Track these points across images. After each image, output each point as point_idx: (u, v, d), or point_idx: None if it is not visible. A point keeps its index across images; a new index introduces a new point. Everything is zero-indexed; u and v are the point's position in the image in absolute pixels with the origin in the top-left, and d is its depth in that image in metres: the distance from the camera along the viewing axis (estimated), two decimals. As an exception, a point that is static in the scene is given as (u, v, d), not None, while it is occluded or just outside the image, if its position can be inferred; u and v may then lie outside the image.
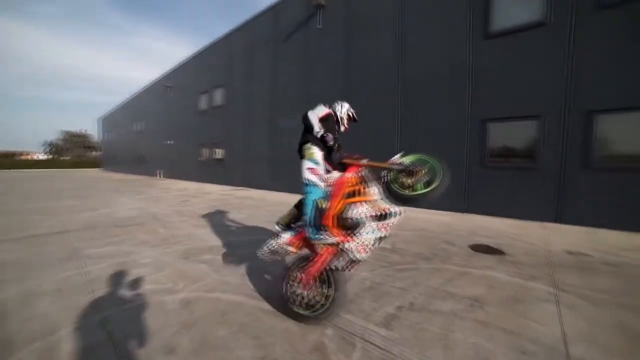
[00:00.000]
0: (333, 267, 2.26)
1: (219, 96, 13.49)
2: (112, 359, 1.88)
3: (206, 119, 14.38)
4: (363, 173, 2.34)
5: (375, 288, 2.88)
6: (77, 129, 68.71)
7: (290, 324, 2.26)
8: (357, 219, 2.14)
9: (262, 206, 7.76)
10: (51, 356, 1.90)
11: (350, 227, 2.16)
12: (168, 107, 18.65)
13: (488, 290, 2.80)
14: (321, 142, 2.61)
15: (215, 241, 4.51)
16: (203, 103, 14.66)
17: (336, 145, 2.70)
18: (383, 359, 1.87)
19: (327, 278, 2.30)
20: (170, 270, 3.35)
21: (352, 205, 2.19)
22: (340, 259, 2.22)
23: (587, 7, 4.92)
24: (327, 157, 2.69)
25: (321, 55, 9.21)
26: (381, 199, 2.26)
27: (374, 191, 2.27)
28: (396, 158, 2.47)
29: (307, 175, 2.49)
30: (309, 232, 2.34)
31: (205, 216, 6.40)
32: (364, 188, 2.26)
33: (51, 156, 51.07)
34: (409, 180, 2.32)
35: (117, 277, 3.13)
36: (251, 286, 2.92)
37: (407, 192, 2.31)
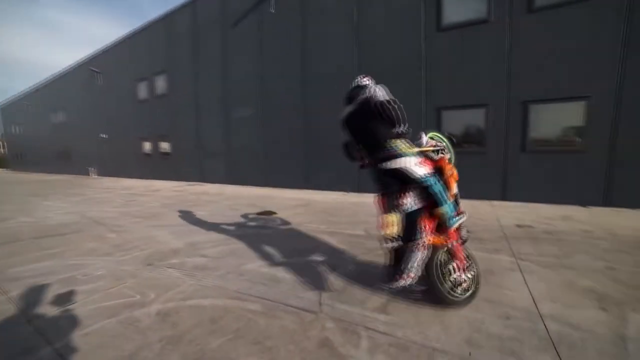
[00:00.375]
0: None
1: (161, 84, 12.12)
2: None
3: (147, 109, 12.87)
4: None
5: (362, 275, 2.91)
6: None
7: (286, 322, 2.16)
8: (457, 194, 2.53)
9: (220, 201, 7.30)
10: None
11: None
12: (98, 96, 16.20)
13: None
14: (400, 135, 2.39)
15: (178, 243, 4.10)
16: (143, 91, 13.04)
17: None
18: (390, 344, 1.90)
19: (468, 257, 2.46)
20: (134, 280, 2.94)
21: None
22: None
23: (521, 9, 5.54)
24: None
25: (276, 42, 8.84)
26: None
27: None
28: (427, 138, 2.64)
29: (421, 170, 2.34)
30: (450, 222, 2.36)
31: (160, 216, 5.78)
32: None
33: None
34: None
35: (65, 297, 2.64)
36: (232, 288, 2.72)
37: None
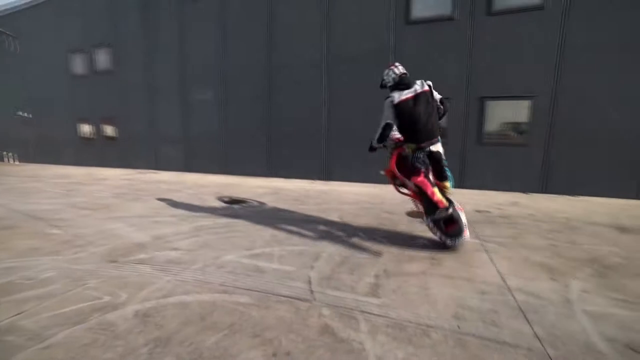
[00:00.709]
0: None
1: (103, 58, 10.55)
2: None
3: (86, 86, 11.15)
4: None
5: (346, 262, 2.98)
6: None
7: (281, 313, 2.12)
8: None
9: (182, 190, 6.78)
10: None
11: None
12: (13, 65, 13.54)
13: (437, 249, 3.29)
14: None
15: (143, 236, 3.73)
16: (79, 65, 11.21)
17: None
18: (387, 325, 1.99)
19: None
20: (97, 280, 2.60)
21: None
22: None
23: (481, 11, 5.98)
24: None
25: (241, 24, 8.27)
26: None
27: None
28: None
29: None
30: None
31: (113, 207, 5.16)
32: None
33: None
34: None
35: (6, 308, 2.24)
36: (216, 281, 2.58)
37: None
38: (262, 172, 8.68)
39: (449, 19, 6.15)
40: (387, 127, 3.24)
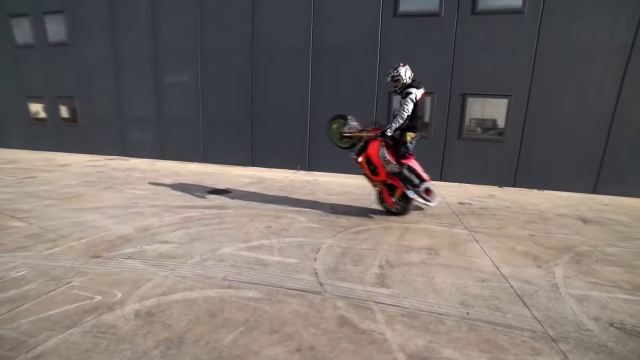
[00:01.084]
0: None
1: (55, 27, 9.29)
2: None
3: (37, 59, 9.77)
4: None
5: (348, 253, 2.99)
6: None
7: (295, 307, 2.08)
8: None
9: (158, 178, 6.31)
10: None
11: None
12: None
13: (432, 239, 3.43)
14: None
15: (125, 228, 3.43)
16: (25, 33, 9.77)
17: None
18: (402, 314, 2.04)
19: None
20: (83, 278, 2.35)
21: None
22: None
23: (466, 10, 6.16)
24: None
25: (222, 2, 7.73)
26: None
27: None
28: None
29: None
30: None
31: (84, 197, 4.66)
32: None
33: None
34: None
35: (-17, 307, 1.95)
36: (218, 276, 2.46)
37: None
38: (242, 161, 8.37)
39: (436, 14, 6.27)
40: (407, 119, 3.80)
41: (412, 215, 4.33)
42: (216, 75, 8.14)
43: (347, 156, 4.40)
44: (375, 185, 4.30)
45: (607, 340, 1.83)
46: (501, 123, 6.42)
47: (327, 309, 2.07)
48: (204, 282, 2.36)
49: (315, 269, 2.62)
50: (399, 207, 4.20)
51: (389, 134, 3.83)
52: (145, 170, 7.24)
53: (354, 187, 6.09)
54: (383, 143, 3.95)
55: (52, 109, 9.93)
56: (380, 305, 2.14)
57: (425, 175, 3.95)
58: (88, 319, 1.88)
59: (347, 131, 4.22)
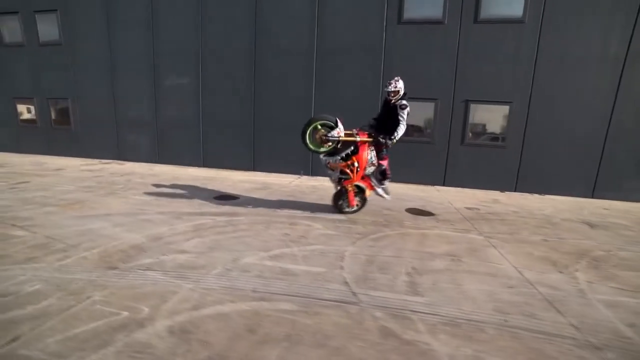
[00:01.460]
0: None
1: (48, 27, 8.95)
2: None
3: (25, 59, 9.38)
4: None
5: (373, 261, 2.96)
6: None
7: (335, 318, 2.03)
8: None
9: (159, 183, 6.08)
10: None
11: None
12: None
13: (451, 245, 3.44)
14: None
15: (136, 237, 3.29)
16: (14, 32, 9.37)
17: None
18: (442, 323, 2.02)
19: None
20: (104, 292, 2.23)
21: None
22: None
23: (469, 18, 6.32)
24: None
25: (224, 1, 7.64)
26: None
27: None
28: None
29: None
30: None
31: (86, 203, 4.44)
32: None
33: None
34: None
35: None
36: (246, 287, 2.38)
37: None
38: (243, 165, 8.23)
39: (439, 22, 6.39)
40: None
41: (426, 221, 4.35)
42: (217, 78, 8.02)
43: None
44: (343, 188, 4.36)
45: (647, 346, 1.86)
46: (503, 129, 6.57)
47: (366, 320, 2.03)
48: (233, 294, 2.27)
49: (344, 278, 2.58)
50: (356, 206, 4.50)
51: (391, 144, 4.16)
52: (144, 174, 7.01)
53: (361, 192, 6.08)
54: (372, 147, 4.23)
55: (42, 111, 9.53)
56: (418, 314, 2.11)
57: (389, 172, 4.42)
58: (119, 337, 1.77)
59: (335, 136, 4.07)
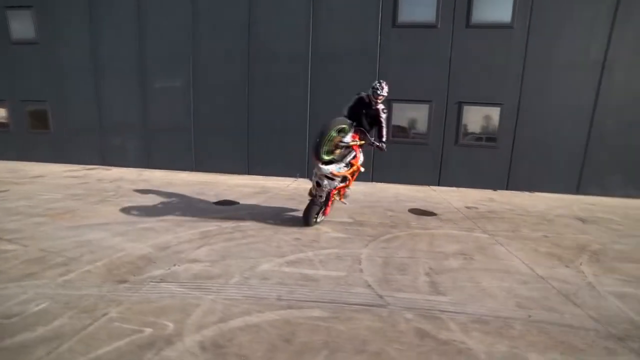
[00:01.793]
0: None
1: (23, 26, 8.39)
2: None
3: (-3, 58, 8.76)
4: None
5: (389, 263, 2.97)
6: None
7: (367, 322, 2.01)
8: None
9: (153, 189, 5.80)
10: None
11: None
12: None
13: (460, 244, 3.51)
14: None
15: (142, 247, 3.12)
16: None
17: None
18: (471, 321, 2.05)
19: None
20: (120, 307, 2.09)
21: None
22: None
23: (461, 22, 6.54)
24: None
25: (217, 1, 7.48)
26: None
27: None
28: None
29: None
30: None
31: (77, 212, 4.16)
32: None
33: None
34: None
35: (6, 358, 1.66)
36: (270, 295, 2.32)
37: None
38: (237, 169, 8.06)
39: (432, 26, 6.57)
40: None
41: (430, 221, 4.43)
42: (210, 80, 7.82)
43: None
44: (326, 196, 3.89)
45: (663, 334, 1.97)
46: (495, 129, 6.84)
47: (399, 322, 2.02)
48: (258, 304, 2.20)
49: (367, 281, 2.57)
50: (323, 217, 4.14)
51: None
52: (135, 180, 6.70)
53: (361, 193, 6.10)
54: (361, 149, 3.99)
55: (16, 114, 8.91)
56: (447, 313, 2.14)
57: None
58: (148, 356, 1.67)
59: (348, 141, 3.68)
